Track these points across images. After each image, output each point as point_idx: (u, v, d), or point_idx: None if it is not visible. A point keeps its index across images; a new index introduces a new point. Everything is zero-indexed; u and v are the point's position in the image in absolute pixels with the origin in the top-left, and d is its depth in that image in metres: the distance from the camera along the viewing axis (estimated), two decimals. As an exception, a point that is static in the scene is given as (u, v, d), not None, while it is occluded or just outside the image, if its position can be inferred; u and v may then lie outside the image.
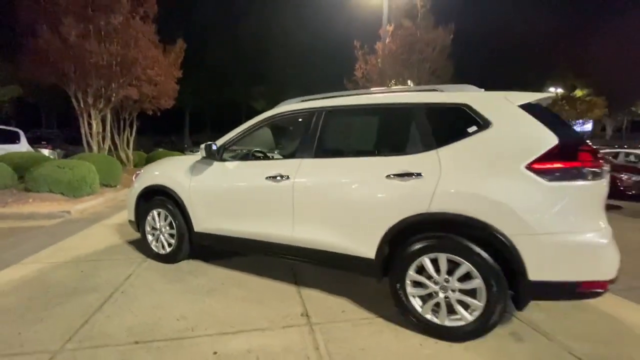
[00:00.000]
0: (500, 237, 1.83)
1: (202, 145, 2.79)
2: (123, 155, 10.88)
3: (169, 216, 3.16)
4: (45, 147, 11.54)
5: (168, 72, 10.17)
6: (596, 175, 1.80)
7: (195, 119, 34.36)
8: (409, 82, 12.45)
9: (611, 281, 1.80)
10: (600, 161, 1.83)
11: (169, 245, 3.22)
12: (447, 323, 2.01)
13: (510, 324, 2.23)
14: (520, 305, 1.96)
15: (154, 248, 3.31)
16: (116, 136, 10.88)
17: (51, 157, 9.28)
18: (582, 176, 1.78)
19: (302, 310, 2.38)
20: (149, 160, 12.18)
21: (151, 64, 8.76)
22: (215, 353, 1.87)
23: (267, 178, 2.57)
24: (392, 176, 2.12)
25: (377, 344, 1.99)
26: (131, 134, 11.44)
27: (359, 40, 13.24)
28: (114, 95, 8.72)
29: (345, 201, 2.29)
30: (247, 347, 1.92)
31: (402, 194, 2.09)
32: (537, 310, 2.42)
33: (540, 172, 1.81)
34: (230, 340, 2.00)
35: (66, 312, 2.27)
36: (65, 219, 5.05)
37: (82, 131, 8.83)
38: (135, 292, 2.62)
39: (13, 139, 8.79)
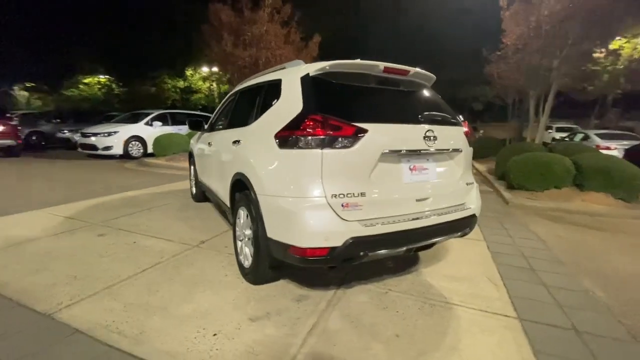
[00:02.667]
0: (253, 195, 2.11)
1: (187, 120, 4.07)
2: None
3: (194, 169, 4.68)
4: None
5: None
6: (316, 145, 1.76)
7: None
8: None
9: (311, 252, 1.77)
10: (330, 130, 1.75)
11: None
12: (245, 264, 2.44)
13: (313, 292, 2.32)
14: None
15: (190, 190, 4.97)
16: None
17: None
18: (300, 144, 1.80)
19: (205, 239, 3.28)
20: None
21: (279, 61, 10.97)
22: (134, 242, 3.14)
23: (207, 144, 3.55)
24: (232, 143, 2.65)
25: (205, 266, 2.67)
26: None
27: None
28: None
29: (220, 162, 2.98)
30: (151, 244, 3.08)
31: (233, 157, 2.60)
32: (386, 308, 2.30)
33: (278, 140, 1.94)
34: (150, 240, 3.21)
35: (118, 212, 4.14)
36: (195, 172, 7.77)
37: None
38: (156, 211, 4.25)
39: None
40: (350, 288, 2.39)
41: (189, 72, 34.87)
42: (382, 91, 2.24)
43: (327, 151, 1.78)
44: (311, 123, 1.79)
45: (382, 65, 2.12)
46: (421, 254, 3.05)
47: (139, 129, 10.32)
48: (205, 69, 34.13)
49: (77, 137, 10.73)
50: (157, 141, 9.40)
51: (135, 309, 2.04)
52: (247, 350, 1.70)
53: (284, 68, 2.53)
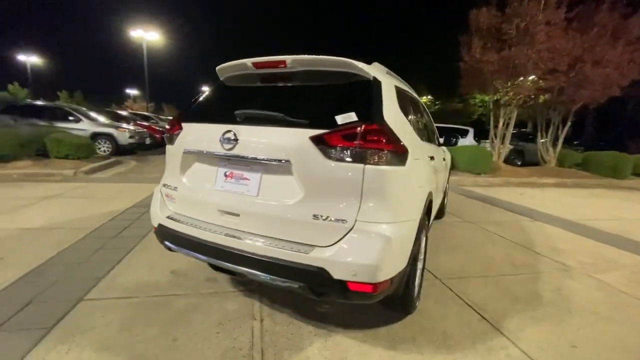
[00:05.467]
0: None
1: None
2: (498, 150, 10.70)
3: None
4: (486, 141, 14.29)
5: (587, 58, 8.50)
6: (166, 140, 2.09)
7: None
8: None
9: (154, 227, 2.09)
10: (171, 128, 2.04)
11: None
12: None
13: (224, 283, 2.50)
14: None
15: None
16: (542, 134, 11.05)
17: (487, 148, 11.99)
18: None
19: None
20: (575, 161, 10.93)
21: (547, 56, 8.18)
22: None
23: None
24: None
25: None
26: (561, 132, 10.79)
27: None
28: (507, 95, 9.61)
29: None
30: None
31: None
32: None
33: None
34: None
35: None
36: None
37: (491, 126, 10.66)
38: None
39: (462, 134, 12.71)
40: (250, 298, 2.31)
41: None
42: (255, 89, 2.01)
43: (167, 146, 2.08)
44: (170, 124, 2.15)
45: (249, 61, 1.89)
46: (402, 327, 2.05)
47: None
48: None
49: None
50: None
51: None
52: (137, 281, 2.46)
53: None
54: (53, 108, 10.01)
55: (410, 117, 2.25)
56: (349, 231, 1.50)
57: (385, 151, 1.54)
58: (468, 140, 12.57)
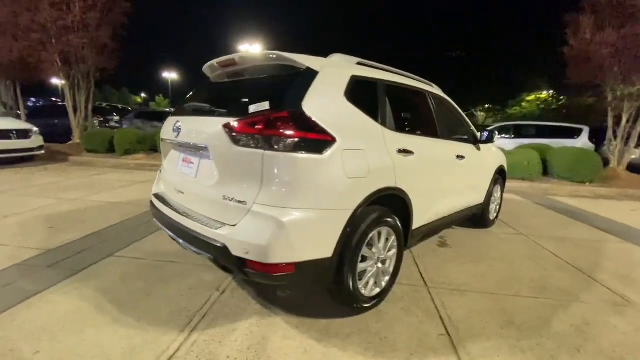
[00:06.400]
0: None
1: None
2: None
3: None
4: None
5: None
6: None
7: None
8: None
9: None
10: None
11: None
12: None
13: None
14: None
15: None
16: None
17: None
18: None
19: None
20: None
21: None
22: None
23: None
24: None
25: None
26: None
27: None
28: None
29: None
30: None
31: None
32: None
33: None
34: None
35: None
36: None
37: (609, 124, 8.40)
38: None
39: (574, 134, 10.47)
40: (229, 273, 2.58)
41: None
42: (223, 85, 2.24)
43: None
44: None
45: (215, 62, 2.13)
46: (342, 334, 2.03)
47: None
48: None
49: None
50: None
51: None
52: (155, 248, 3.02)
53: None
54: (168, 113, 12.61)
55: (378, 108, 2.13)
56: (247, 212, 1.60)
57: (293, 139, 1.56)
58: (581, 142, 10.25)
